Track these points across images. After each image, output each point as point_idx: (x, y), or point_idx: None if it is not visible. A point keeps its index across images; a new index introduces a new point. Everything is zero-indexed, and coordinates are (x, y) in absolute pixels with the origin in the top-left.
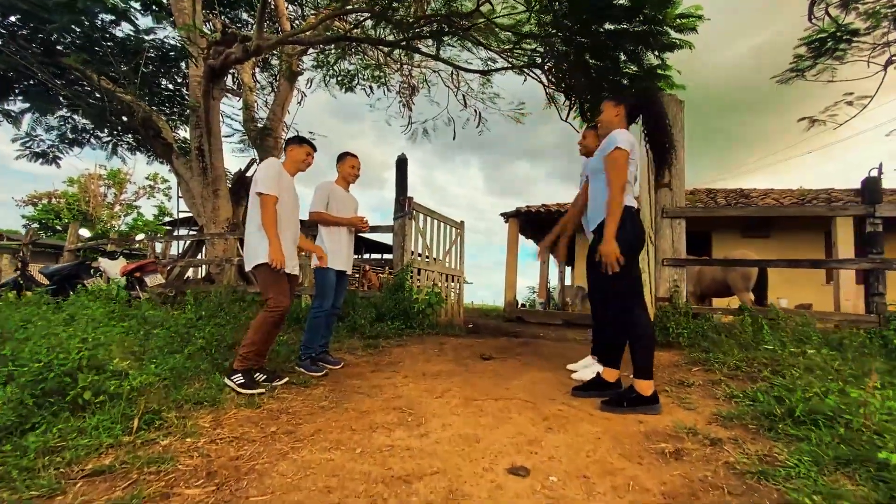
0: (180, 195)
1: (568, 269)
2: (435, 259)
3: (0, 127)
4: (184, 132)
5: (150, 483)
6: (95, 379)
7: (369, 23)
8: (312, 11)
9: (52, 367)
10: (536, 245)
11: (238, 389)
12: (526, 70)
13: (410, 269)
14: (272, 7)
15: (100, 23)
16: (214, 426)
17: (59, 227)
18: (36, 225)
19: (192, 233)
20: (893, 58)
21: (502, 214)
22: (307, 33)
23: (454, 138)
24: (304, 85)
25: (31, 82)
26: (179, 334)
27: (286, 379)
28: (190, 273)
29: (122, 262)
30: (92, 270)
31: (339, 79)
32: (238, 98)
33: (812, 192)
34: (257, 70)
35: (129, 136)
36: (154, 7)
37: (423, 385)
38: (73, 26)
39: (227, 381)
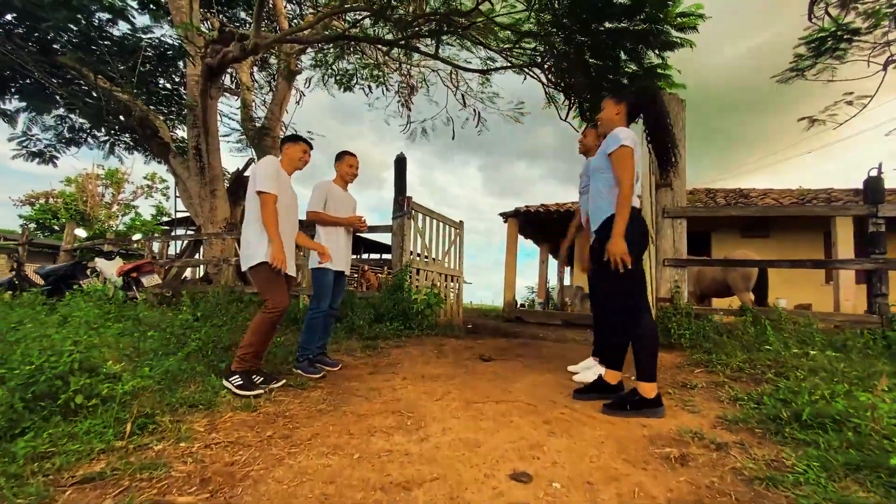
0: (178, 195)
1: (567, 269)
2: (434, 259)
3: None
4: (181, 131)
5: (142, 490)
6: (88, 382)
7: (368, 21)
8: (311, 10)
9: (44, 370)
10: (536, 245)
11: (237, 391)
12: (525, 69)
13: (409, 270)
14: (270, 6)
15: (97, 21)
16: (209, 430)
17: (56, 227)
18: (33, 225)
19: (189, 233)
20: (893, 57)
21: (501, 214)
22: (305, 32)
23: (453, 138)
24: (303, 84)
25: (28, 81)
26: (175, 336)
27: (283, 381)
28: (188, 273)
29: (118, 263)
30: (88, 271)
31: (338, 78)
32: (236, 97)
33: (811, 192)
34: (255, 69)
35: (127, 135)
36: (151, 5)
37: (422, 387)
38: (69, 24)
39: (224, 383)
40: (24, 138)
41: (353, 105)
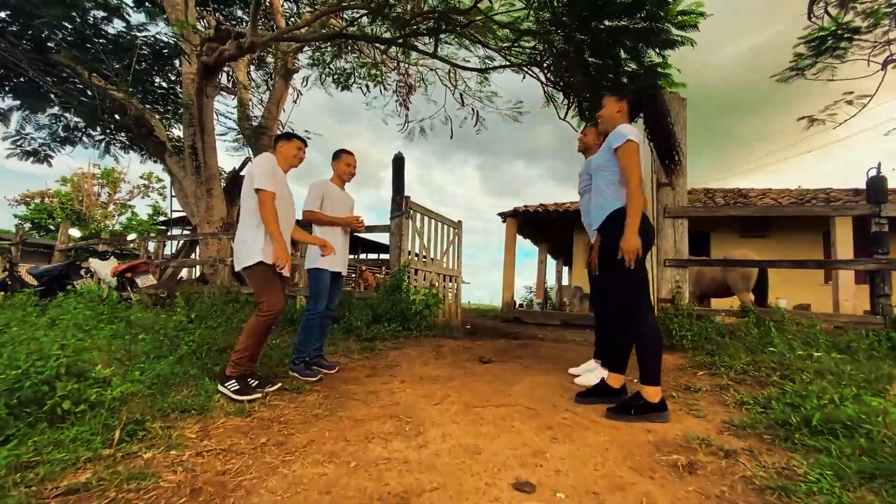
0: (174, 194)
1: (565, 269)
2: (432, 259)
3: None
4: (177, 130)
5: (129, 502)
6: (76, 387)
7: (365, 20)
8: (308, 8)
9: (30, 375)
10: (534, 245)
11: (233, 396)
12: (524, 68)
13: (407, 270)
14: (267, 4)
15: (91, 19)
16: (201, 437)
17: (52, 227)
18: (28, 224)
19: (185, 232)
20: (892, 56)
21: (500, 214)
22: (302, 30)
23: (451, 137)
24: (300, 83)
25: (22, 79)
26: (168, 338)
27: (279, 384)
28: (184, 273)
29: (113, 263)
30: (82, 271)
31: (335, 77)
32: (232, 96)
33: (810, 192)
34: (252, 68)
35: (122, 134)
36: (147, 3)
37: (420, 391)
38: (63, 22)
39: (220, 388)
40: (18, 137)
41: (351, 104)
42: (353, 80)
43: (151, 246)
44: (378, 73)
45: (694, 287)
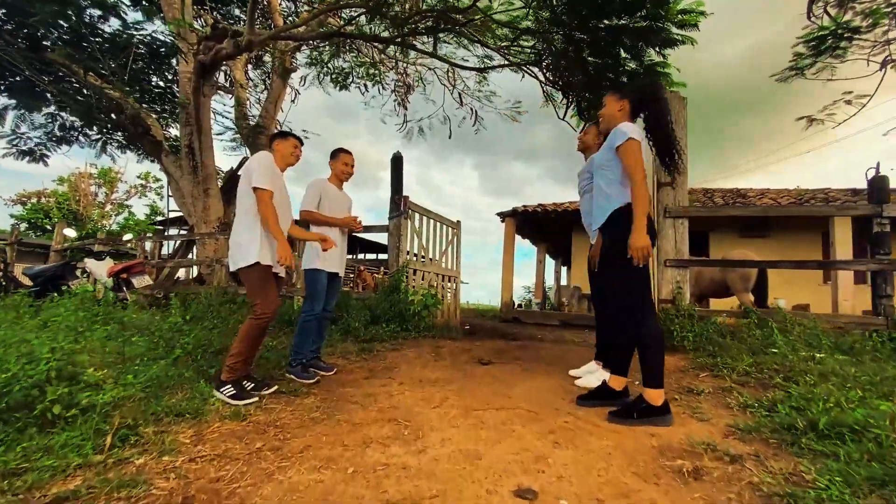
0: (170, 194)
1: (564, 269)
2: (431, 259)
3: None
4: (174, 130)
5: None
6: (66, 391)
7: (364, 19)
8: (306, 7)
9: (20, 379)
10: (533, 245)
11: (230, 402)
12: (523, 67)
13: (406, 270)
14: (264, 2)
15: (87, 17)
16: (195, 442)
17: (48, 227)
18: (25, 224)
19: (182, 233)
20: (891, 57)
21: (499, 214)
22: (300, 29)
23: (450, 137)
24: (298, 82)
25: (17, 78)
26: (163, 339)
27: (275, 387)
28: (181, 273)
29: (109, 263)
30: (78, 271)
31: (334, 76)
32: (230, 95)
33: (809, 192)
34: (250, 67)
35: (119, 133)
36: (143, 1)
37: (419, 393)
38: (59, 20)
39: (216, 394)
40: (13, 136)
41: (349, 104)
42: (351, 80)
43: (148, 246)
44: (376, 72)
45: (693, 287)
